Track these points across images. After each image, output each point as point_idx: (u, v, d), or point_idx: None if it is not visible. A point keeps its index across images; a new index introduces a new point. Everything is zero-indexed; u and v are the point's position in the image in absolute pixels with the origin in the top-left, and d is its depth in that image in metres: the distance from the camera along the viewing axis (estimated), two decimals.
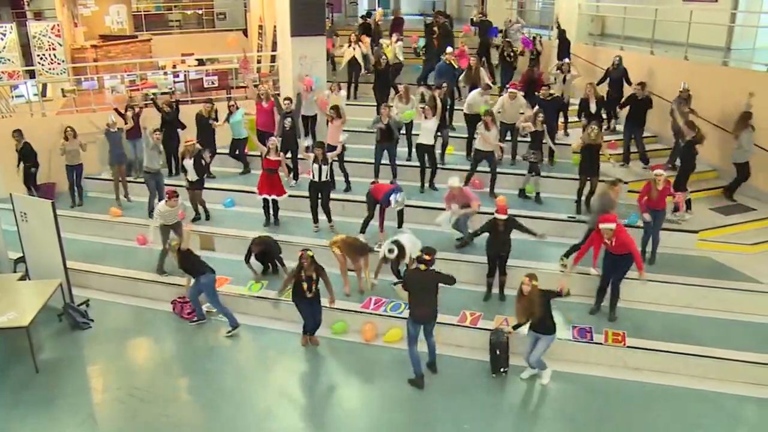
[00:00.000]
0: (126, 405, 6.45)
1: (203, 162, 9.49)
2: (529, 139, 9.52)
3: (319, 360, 7.25)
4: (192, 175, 9.26)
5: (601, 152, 8.91)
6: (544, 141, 9.39)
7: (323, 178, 8.77)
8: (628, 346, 6.96)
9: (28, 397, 6.54)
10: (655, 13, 11.78)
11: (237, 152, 10.97)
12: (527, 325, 6.50)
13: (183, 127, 10.66)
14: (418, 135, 9.96)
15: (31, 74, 12.55)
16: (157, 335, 7.87)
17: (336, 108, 9.91)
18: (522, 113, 10.15)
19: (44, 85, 12.70)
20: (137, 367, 7.26)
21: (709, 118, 9.92)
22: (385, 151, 9.78)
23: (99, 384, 6.92)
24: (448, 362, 7.05)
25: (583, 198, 9.12)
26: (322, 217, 9.11)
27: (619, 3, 13.62)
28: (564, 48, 12.78)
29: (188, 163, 9.17)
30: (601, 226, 6.97)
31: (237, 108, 10.71)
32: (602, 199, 7.70)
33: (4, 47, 11.70)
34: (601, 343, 7.04)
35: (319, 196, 8.96)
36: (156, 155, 9.61)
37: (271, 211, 9.38)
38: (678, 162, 9.46)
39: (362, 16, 15.79)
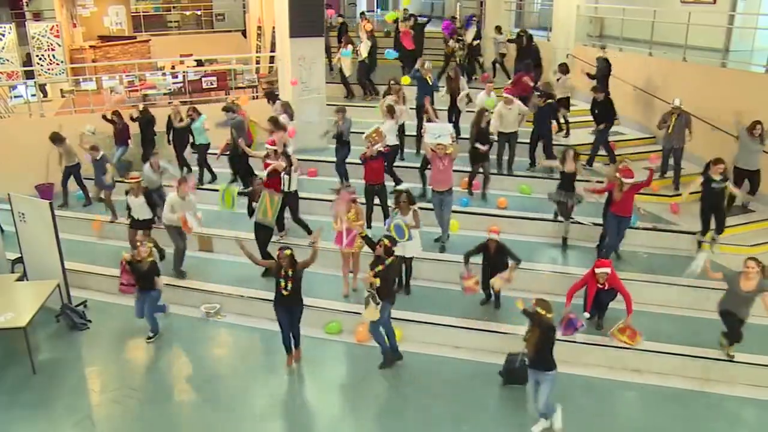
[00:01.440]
0: (123, 406, 6.44)
1: (154, 200, 8.63)
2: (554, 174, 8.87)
3: (316, 362, 7.23)
4: (141, 213, 8.45)
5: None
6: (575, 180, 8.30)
7: (291, 188, 8.68)
8: (628, 348, 6.95)
9: (25, 397, 6.52)
10: (654, 14, 11.80)
11: (200, 160, 10.59)
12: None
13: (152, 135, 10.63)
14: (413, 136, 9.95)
15: (29, 75, 12.54)
16: (156, 335, 7.86)
17: (274, 120, 9.50)
18: (521, 115, 9.99)
19: (43, 86, 12.71)
20: (134, 368, 7.24)
21: (708, 119, 9.94)
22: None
23: (96, 385, 6.90)
24: (446, 364, 7.06)
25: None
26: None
27: (617, 4, 13.64)
28: (529, 52, 12.51)
29: (134, 201, 8.39)
30: (597, 270, 6.80)
31: (199, 114, 10.48)
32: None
33: (3, 47, 11.69)
34: (597, 344, 7.04)
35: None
36: (156, 179, 9.25)
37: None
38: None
39: (340, 14, 15.52)
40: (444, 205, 8.45)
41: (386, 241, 6.61)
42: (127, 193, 8.47)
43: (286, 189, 8.65)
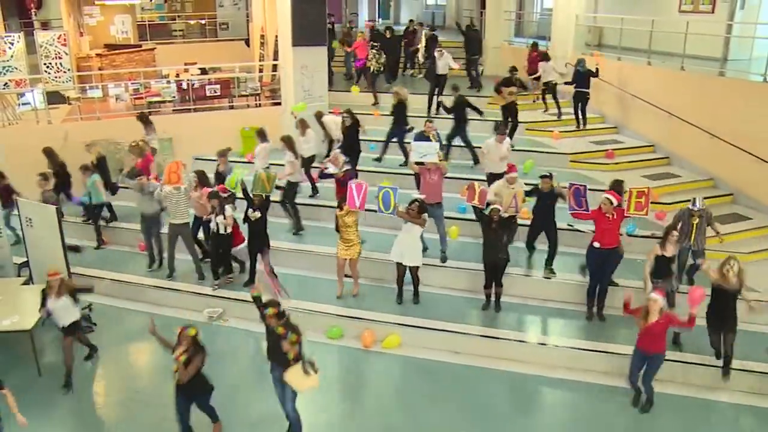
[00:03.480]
0: (128, 408, 6.52)
1: (76, 295, 6.90)
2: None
3: (323, 368, 7.25)
4: (65, 316, 6.75)
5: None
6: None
7: (221, 231, 8.17)
8: (625, 354, 6.99)
9: (30, 399, 6.58)
10: (652, 24, 11.93)
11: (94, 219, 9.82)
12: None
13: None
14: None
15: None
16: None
17: (137, 148, 9.62)
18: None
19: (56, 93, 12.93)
20: (139, 371, 7.33)
21: (706, 128, 10.05)
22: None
23: (101, 387, 6.99)
24: (445, 369, 7.12)
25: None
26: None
27: (616, 14, 13.79)
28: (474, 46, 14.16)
29: (55, 304, 6.65)
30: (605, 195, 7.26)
31: (92, 172, 9.55)
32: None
33: (12, 56, 11.88)
34: (595, 351, 7.11)
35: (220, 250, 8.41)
36: (149, 200, 8.69)
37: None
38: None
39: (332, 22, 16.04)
40: (436, 219, 8.35)
41: (273, 310, 5.66)
42: (45, 295, 6.70)
43: (220, 231, 8.17)
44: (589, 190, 7.62)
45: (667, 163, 11.16)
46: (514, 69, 11.77)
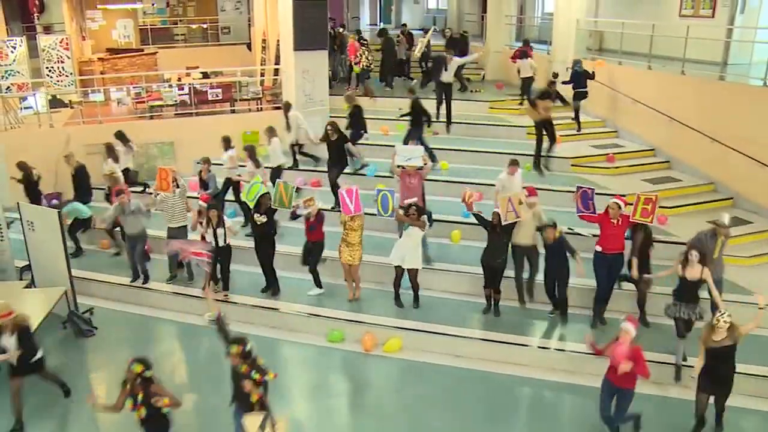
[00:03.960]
0: (127, 414, 6.48)
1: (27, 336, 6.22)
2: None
3: (319, 370, 7.32)
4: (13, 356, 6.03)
5: None
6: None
7: (221, 243, 8.02)
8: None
9: (31, 403, 6.59)
10: (653, 28, 11.97)
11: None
12: None
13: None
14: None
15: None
16: (161, 343, 7.98)
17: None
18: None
19: (55, 97, 12.94)
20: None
21: (707, 132, 10.06)
22: None
23: (102, 391, 6.98)
24: (446, 372, 7.12)
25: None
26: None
27: (616, 18, 13.83)
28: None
29: (10, 341, 6.05)
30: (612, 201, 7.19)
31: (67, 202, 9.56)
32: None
33: (15, 60, 11.93)
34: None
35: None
36: (132, 219, 8.42)
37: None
38: None
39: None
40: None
41: (237, 348, 5.11)
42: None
43: (220, 243, 7.99)
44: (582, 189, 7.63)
45: (667, 167, 11.18)
46: (552, 81, 11.03)
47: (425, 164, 8.57)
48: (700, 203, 9.90)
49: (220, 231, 7.95)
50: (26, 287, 8.14)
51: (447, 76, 12.16)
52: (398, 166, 8.54)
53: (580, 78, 11.92)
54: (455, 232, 9.23)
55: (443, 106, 12.44)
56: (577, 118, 12.28)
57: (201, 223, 8.04)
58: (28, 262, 8.45)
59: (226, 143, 10.02)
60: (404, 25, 17.52)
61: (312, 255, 8.24)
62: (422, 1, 25.84)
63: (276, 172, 10.03)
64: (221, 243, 8.01)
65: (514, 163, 8.75)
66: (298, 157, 11.24)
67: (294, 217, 8.20)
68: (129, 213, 8.41)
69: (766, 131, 9.19)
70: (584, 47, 14.01)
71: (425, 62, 15.05)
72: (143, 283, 8.69)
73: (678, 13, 13.63)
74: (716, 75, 10.93)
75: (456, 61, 12.26)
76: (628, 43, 12.74)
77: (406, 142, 10.71)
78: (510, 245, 7.65)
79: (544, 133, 10.60)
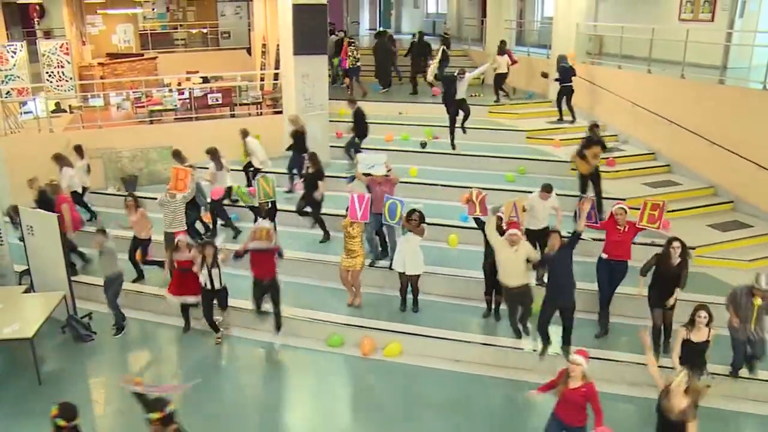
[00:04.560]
0: (127, 417, 6.49)
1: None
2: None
3: (318, 375, 7.30)
4: None
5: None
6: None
7: (216, 286, 7.37)
8: (626, 362, 6.99)
9: (30, 408, 6.59)
10: (652, 32, 11.99)
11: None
12: None
13: None
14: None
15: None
16: (160, 348, 7.97)
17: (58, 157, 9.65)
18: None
19: (59, 106, 13.00)
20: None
21: (707, 135, 10.07)
22: None
23: (101, 396, 6.98)
24: (446, 377, 7.10)
25: None
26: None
27: (616, 22, 13.86)
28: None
29: None
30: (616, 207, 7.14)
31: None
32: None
33: (15, 65, 11.96)
34: (596, 359, 7.08)
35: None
36: (108, 259, 7.80)
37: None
38: None
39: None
40: (387, 228, 8.47)
41: (157, 415, 4.50)
42: None
43: (215, 286, 7.34)
44: (588, 198, 7.60)
45: (668, 171, 11.18)
46: (595, 125, 9.62)
47: (389, 170, 8.52)
48: (701, 207, 9.90)
49: (215, 272, 7.25)
50: (25, 292, 8.12)
51: (459, 94, 11.55)
52: (364, 174, 8.56)
53: (567, 73, 12.35)
54: (452, 237, 9.22)
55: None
56: (559, 107, 12.82)
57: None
58: (27, 267, 8.44)
59: (178, 157, 9.70)
60: (384, 32, 17.60)
61: (269, 294, 7.49)
62: (422, 5, 25.91)
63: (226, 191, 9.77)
64: (216, 285, 7.34)
65: (546, 189, 7.83)
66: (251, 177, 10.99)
67: (237, 257, 7.30)
68: (107, 252, 7.70)
69: (766, 135, 9.20)
70: (584, 51, 14.03)
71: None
72: (118, 331, 7.97)
73: (677, 17, 13.66)
74: (716, 79, 10.95)
75: (467, 77, 11.65)
76: (628, 47, 12.77)
77: (348, 151, 11.01)
78: (502, 286, 7.12)
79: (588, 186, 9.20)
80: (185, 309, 7.93)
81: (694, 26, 12.37)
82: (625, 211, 7.16)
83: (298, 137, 10.79)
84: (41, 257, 8.15)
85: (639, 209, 7.46)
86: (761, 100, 9.54)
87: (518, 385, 6.87)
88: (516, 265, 6.81)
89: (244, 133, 10.97)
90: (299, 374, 7.33)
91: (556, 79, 12.53)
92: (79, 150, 10.51)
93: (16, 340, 6.94)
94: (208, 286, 7.37)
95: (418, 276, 7.84)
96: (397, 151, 12.13)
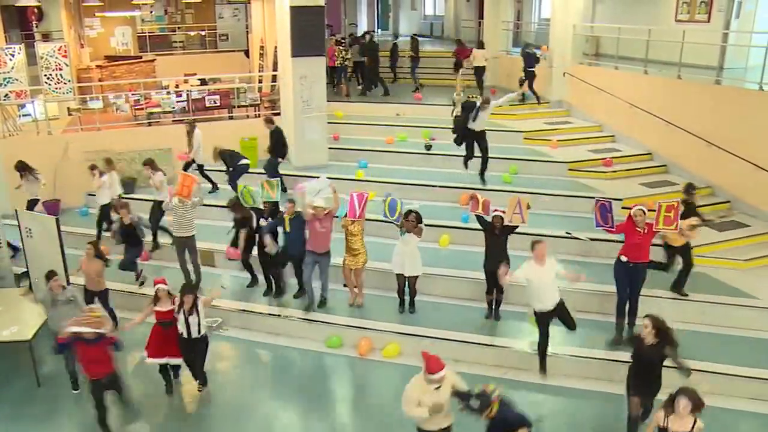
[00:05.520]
0: (125, 418, 6.50)
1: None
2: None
3: (317, 375, 7.31)
4: None
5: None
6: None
7: (194, 334, 6.43)
8: (626, 362, 6.99)
9: (29, 410, 6.61)
10: (649, 33, 12.03)
11: None
12: None
13: None
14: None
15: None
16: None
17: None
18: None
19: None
20: (138, 381, 7.31)
21: (704, 135, 10.10)
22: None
23: None
24: None
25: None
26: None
27: (613, 23, 13.91)
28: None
29: None
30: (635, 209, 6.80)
31: None
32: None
33: (13, 67, 11.98)
34: (595, 358, 7.11)
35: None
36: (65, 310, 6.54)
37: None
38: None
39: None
40: (321, 267, 7.90)
41: None
42: None
43: (193, 334, 6.42)
44: (585, 198, 7.60)
45: (665, 171, 11.20)
46: (690, 187, 8.09)
47: (334, 191, 8.01)
48: (698, 207, 9.88)
49: (193, 320, 6.32)
50: (24, 294, 8.11)
51: (478, 125, 10.07)
52: (315, 207, 7.63)
53: (530, 59, 13.58)
54: (444, 237, 9.23)
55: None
56: (533, 91, 13.79)
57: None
58: (26, 269, 8.44)
59: (152, 166, 9.53)
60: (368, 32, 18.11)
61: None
62: (419, 7, 25.96)
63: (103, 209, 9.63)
64: (194, 334, 6.39)
65: (539, 244, 6.58)
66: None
67: (60, 350, 6.21)
68: (63, 302, 6.62)
69: (762, 135, 9.24)
70: (581, 52, 14.08)
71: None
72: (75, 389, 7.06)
73: (674, 18, 13.71)
74: (712, 79, 10.97)
75: (491, 106, 10.19)
76: (625, 48, 12.80)
77: (267, 171, 10.52)
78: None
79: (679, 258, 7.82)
80: (165, 369, 6.84)
81: (690, 27, 12.43)
82: (644, 212, 6.87)
83: (277, 138, 10.65)
84: (40, 259, 8.15)
85: (632, 210, 7.20)
86: (758, 100, 9.57)
87: (517, 386, 6.88)
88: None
89: (192, 126, 10.85)
90: (298, 375, 7.34)
91: (524, 69, 13.68)
92: (24, 168, 9.88)
93: (15, 342, 6.95)
94: (185, 335, 6.42)
95: (416, 277, 7.86)
96: (397, 152, 12.19)
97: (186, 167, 10.62)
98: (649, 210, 7.05)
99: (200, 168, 10.96)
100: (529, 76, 13.66)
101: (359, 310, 8.07)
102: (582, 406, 6.68)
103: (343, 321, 7.89)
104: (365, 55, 15.52)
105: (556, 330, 7.21)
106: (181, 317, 6.33)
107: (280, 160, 10.75)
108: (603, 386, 6.87)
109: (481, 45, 15.32)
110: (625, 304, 7.21)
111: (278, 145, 10.72)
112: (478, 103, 10.05)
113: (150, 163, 9.63)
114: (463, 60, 15.23)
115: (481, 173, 10.43)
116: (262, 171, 10.75)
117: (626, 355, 6.97)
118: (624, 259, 7.02)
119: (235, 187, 9.36)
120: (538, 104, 13.87)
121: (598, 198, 7.52)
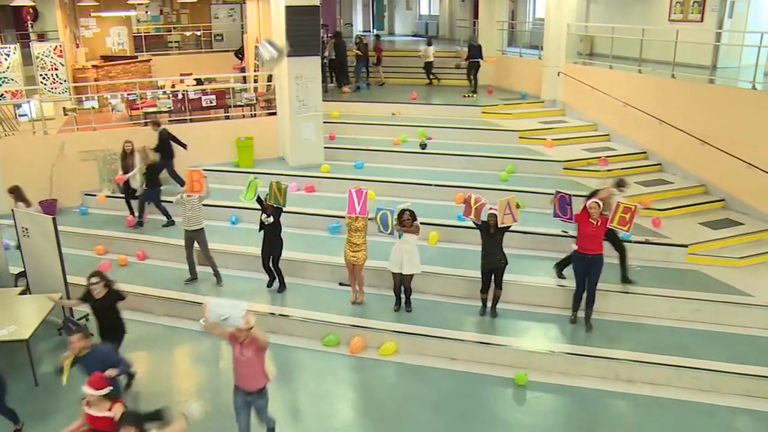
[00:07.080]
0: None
1: None
2: None
3: (314, 374, 7.33)
4: None
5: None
6: None
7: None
8: (621, 359, 7.07)
9: (27, 410, 6.59)
10: (642, 32, 12.11)
11: None
12: None
13: None
14: None
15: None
16: (157, 349, 7.96)
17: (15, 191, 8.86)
18: None
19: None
20: (136, 381, 7.32)
21: (698, 134, 10.18)
22: None
23: None
24: (442, 375, 7.15)
25: None
26: None
27: (607, 23, 13.99)
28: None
29: None
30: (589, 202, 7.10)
31: None
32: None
33: (8, 67, 11.95)
34: (590, 356, 7.17)
35: None
36: None
37: None
38: None
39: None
40: (258, 410, 5.75)
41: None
42: None
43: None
44: (581, 197, 7.66)
45: (659, 169, 11.29)
46: (621, 182, 8.07)
47: (251, 327, 5.44)
48: (692, 205, 10.00)
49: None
50: (21, 293, 8.11)
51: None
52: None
53: (475, 50, 15.04)
54: (432, 234, 9.27)
55: None
56: (469, 79, 15.30)
57: None
58: (23, 269, 8.44)
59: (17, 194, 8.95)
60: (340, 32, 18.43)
61: None
62: (414, 7, 26.00)
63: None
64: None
65: None
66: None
67: None
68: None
69: (756, 133, 9.33)
70: (575, 52, 14.15)
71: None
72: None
73: (667, 17, 13.82)
74: (706, 78, 11.07)
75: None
76: (619, 47, 12.89)
77: (151, 177, 10.10)
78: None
79: None
80: None
81: (683, 27, 12.51)
82: (599, 206, 7.18)
83: (152, 169, 10.22)
84: (37, 259, 8.15)
85: (588, 202, 7.40)
86: (751, 99, 9.67)
87: (513, 383, 6.93)
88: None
89: (156, 124, 10.72)
90: (295, 374, 7.35)
91: (467, 59, 15.19)
92: (17, 193, 9.21)
93: (13, 341, 6.94)
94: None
95: (412, 276, 7.88)
96: (393, 151, 12.22)
97: (126, 190, 10.36)
98: (644, 208, 7.15)
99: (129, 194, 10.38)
100: (475, 67, 15.12)
101: (355, 308, 8.08)
102: (575, 402, 6.72)
103: (340, 320, 7.89)
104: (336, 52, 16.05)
105: (546, 327, 7.26)
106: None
107: (169, 164, 10.58)
108: (595, 383, 6.94)
109: (430, 42, 16.75)
110: (582, 294, 7.52)
111: (166, 148, 10.55)
112: None
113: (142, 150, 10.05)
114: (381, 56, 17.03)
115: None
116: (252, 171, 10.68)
117: (618, 353, 7.09)
118: (575, 247, 7.41)
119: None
120: (474, 94, 14.97)
121: (559, 191, 7.68)
